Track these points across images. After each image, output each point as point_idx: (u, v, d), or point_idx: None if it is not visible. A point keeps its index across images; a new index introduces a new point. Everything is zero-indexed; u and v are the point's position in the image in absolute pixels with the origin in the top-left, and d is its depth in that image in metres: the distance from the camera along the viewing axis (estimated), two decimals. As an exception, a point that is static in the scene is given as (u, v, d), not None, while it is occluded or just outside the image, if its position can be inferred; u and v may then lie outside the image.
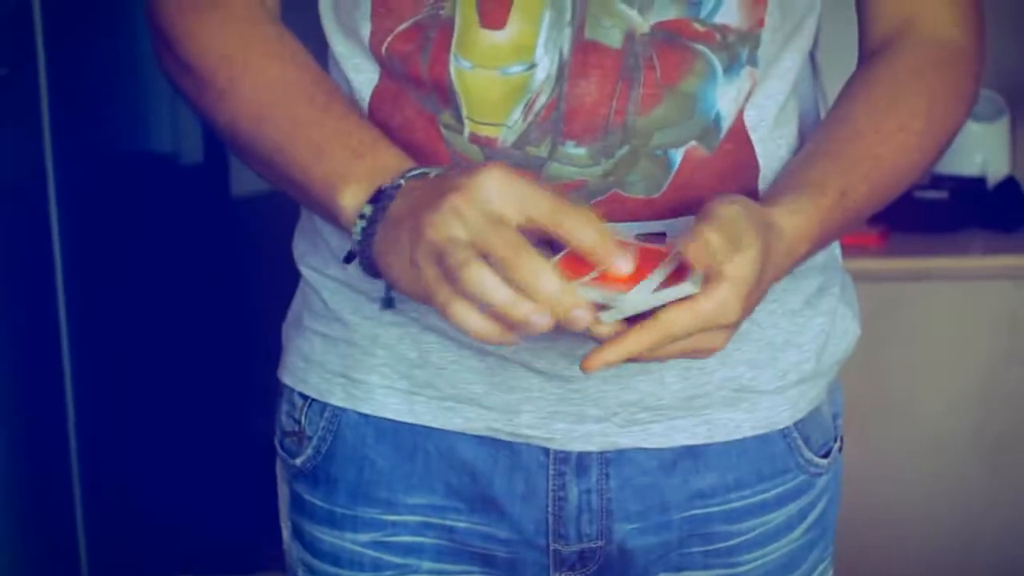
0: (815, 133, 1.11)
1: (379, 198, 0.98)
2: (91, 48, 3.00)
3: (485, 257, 0.90)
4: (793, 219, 1.01)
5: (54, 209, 2.75)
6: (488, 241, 0.90)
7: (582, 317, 0.90)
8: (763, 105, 1.10)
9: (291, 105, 1.06)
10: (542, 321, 0.89)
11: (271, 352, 1.24)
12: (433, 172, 0.98)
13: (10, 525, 2.24)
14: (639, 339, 0.94)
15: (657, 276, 0.94)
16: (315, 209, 1.08)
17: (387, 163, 1.01)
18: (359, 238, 0.99)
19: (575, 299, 0.89)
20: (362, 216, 0.99)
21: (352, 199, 1.00)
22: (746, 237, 0.95)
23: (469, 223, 0.90)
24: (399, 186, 0.98)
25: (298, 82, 1.08)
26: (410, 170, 0.99)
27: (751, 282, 0.95)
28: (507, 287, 0.89)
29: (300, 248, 1.20)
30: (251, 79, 1.08)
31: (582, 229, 0.91)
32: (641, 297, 0.93)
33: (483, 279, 0.89)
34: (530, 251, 0.89)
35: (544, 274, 0.89)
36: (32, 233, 2.66)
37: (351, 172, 1.01)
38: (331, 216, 1.04)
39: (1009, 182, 2.61)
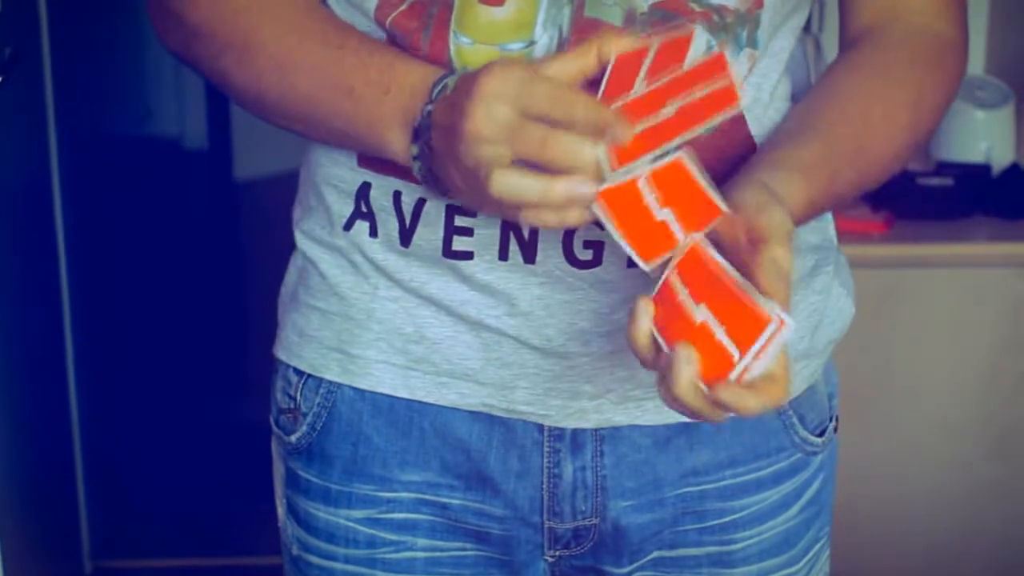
0: (801, 107, 1.11)
1: (418, 136, 1.01)
2: (95, 30, 3.00)
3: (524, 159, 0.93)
4: (786, 202, 1.01)
5: (57, 192, 2.75)
6: (514, 147, 0.93)
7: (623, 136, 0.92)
8: (758, 84, 1.10)
9: (310, 49, 1.07)
10: (584, 189, 0.92)
11: (273, 335, 1.24)
12: (450, 83, 1.00)
13: (14, 508, 2.24)
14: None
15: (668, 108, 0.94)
16: (365, 151, 1.10)
17: (412, 88, 1.02)
18: (422, 177, 1.03)
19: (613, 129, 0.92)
20: (414, 158, 1.02)
21: (398, 143, 1.03)
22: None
23: (491, 138, 0.93)
24: (429, 115, 1.00)
25: (311, 23, 1.08)
26: (432, 89, 1.00)
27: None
28: (535, 178, 0.92)
29: (299, 216, 1.20)
30: (268, 29, 1.08)
31: (576, 110, 0.92)
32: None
33: (508, 182, 0.93)
34: (557, 133, 0.91)
35: (577, 145, 0.91)
36: (36, 216, 2.66)
37: (385, 114, 1.03)
38: (387, 157, 1.07)
39: (1014, 169, 2.60)
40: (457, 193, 1.00)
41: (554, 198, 0.93)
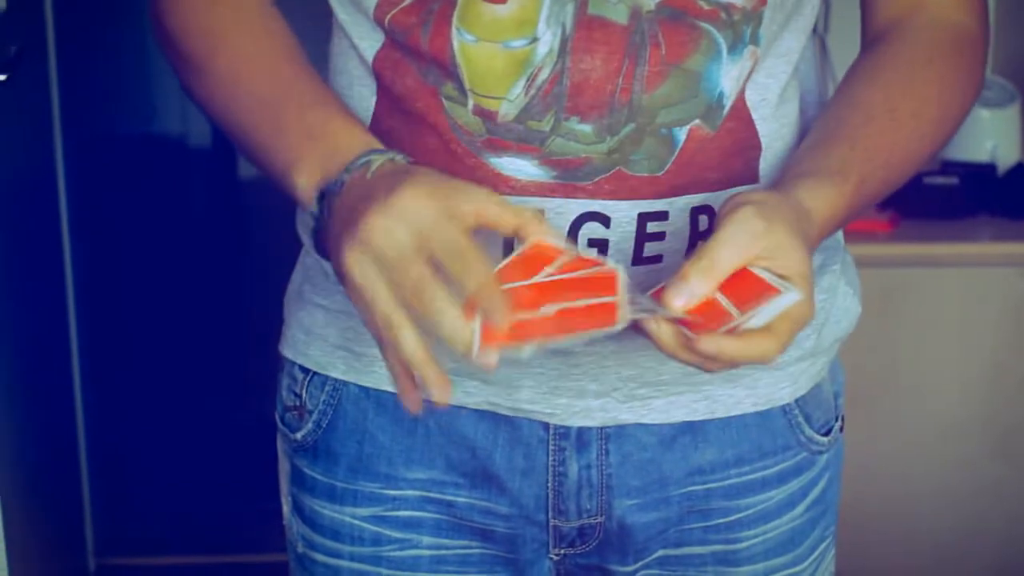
0: (824, 114, 1.11)
1: (323, 198, 0.99)
2: (101, 29, 3.00)
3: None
4: (817, 204, 1.01)
5: (62, 190, 2.75)
6: (391, 275, 0.91)
7: (486, 363, 0.91)
8: (764, 84, 1.09)
9: (258, 82, 1.08)
10: (438, 390, 0.92)
11: (278, 333, 1.24)
12: (374, 163, 0.98)
13: (19, 506, 2.24)
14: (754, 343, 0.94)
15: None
16: (280, 187, 1.08)
17: (338, 147, 1.01)
18: (311, 229, 1.01)
19: (470, 339, 0.90)
20: (312, 214, 1.01)
21: (305, 186, 1.02)
22: (782, 237, 0.95)
23: (376, 252, 0.91)
24: (343, 183, 0.98)
25: (268, 57, 1.09)
26: (354, 159, 0.99)
27: (810, 276, 0.96)
28: (412, 346, 0.91)
29: (303, 217, 1.20)
30: (226, 55, 1.09)
31: (468, 276, 0.90)
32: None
33: (389, 324, 0.91)
34: (435, 287, 0.90)
35: (446, 314, 0.89)
36: (41, 213, 2.66)
37: (304, 156, 1.02)
38: (292, 197, 1.05)
39: (1019, 169, 2.60)
40: (333, 260, 0.98)
41: (411, 368, 0.93)
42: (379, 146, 1.01)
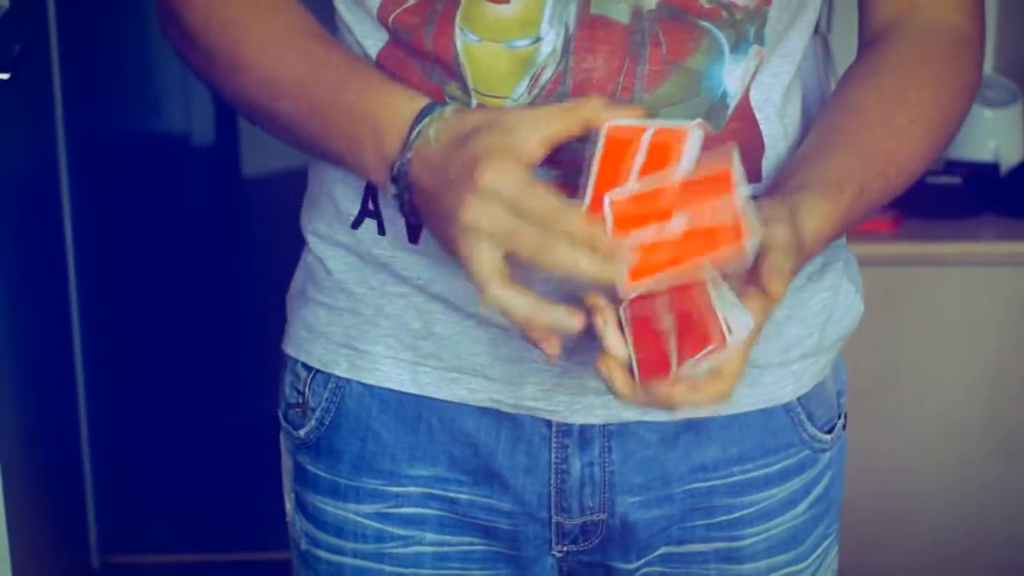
0: (821, 120, 1.11)
1: (395, 182, 1.00)
2: (104, 27, 3.00)
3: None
4: (814, 222, 1.01)
5: (66, 188, 2.76)
6: (509, 246, 0.92)
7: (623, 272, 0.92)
8: (768, 84, 1.10)
9: (292, 66, 1.07)
10: (570, 322, 0.94)
11: (280, 331, 1.24)
12: (432, 134, 0.98)
13: (23, 504, 2.25)
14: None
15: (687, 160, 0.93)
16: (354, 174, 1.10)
17: (387, 122, 1.01)
18: (401, 210, 1.02)
19: (619, 259, 0.92)
20: (393, 195, 1.01)
21: (375, 172, 1.03)
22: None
23: (487, 233, 0.92)
24: (405, 167, 0.99)
25: (295, 40, 1.08)
26: (409, 133, 0.99)
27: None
28: (526, 304, 0.93)
29: (308, 215, 1.20)
30: (252, 45, 1.08)
31: (571, 121, 0.93)
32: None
33: (502, 297, 0.93)
34: (552, 241, 0.91)
35: (579, 256, 0.91)
36: (44, 212, 2.66)
37: (360, 143, 1.03)
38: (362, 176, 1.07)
39: (1022, 168, 2.61)
40: (435, 235, 1.00)
41: (536, 328, 0.95)
42: (419, 101, 1.01)
